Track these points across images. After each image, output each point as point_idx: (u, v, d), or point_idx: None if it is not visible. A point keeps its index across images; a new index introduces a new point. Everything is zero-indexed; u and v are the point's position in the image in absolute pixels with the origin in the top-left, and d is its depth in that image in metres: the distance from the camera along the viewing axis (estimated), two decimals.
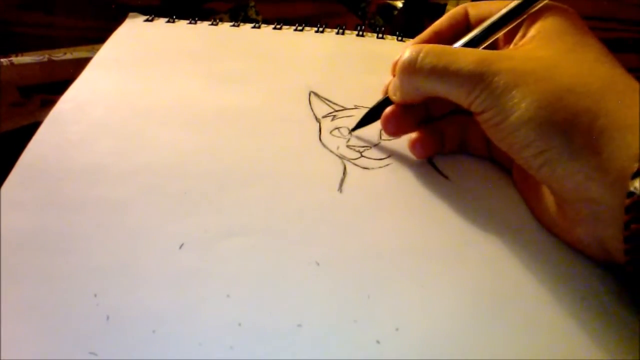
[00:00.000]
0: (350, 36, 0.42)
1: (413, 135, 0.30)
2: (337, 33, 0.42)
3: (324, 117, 0.33)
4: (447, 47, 0.26)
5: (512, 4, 0.27)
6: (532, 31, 0.26)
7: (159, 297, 0.23)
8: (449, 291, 0.24)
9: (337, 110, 0.33)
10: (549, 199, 0.25)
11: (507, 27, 0.27)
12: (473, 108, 0.25)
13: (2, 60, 0.42)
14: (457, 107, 0.26)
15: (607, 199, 0.21)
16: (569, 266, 0.25)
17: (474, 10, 0.29)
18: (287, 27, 0.42)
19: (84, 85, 0.35)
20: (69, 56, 0.44)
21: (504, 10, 0.27)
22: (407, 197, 0.28)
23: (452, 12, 0.30)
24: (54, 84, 0.40)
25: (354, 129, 0.32)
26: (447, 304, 0.23)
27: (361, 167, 0.30)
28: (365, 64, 0.38)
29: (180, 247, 0.25)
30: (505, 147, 0.25)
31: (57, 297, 0.23)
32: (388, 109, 0.29)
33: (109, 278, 0.24)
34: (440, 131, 0.30)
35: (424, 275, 0.24)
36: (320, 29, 0.42)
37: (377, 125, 0.32)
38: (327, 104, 0.34)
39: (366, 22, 0.52)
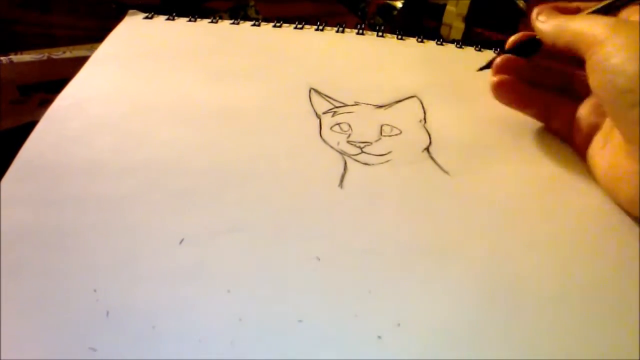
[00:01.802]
0: (350, 34, 0.42)
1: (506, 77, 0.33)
2: (337, 31, 0.42)
3: (324, 113, 0.33)
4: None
5: None
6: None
7: (159, 293, 0.23)
8: (450, 286, 0.23)
9: (337, 107, 0.33)
10: (618, 163, 0.27)
11: None
12: (588, 51, 0.27)
13: (1, 58, 0.42)
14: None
15: None
16: (569, 263, 0.25)
17: None
18: (287, 25, 0.42)
19: (83, 82, 0.35)
20: (68, 55, 0.44)
21: None
22: (407, 192, 0.28)
23: None
24: (54, 82, 0.40)
25: (484, 68, 0.34)
26: (448, 299, 0.23)
27: (362, 163, 0.30)
28: (365, 62, 0.38)
29: (180, 242, 0.25)
30: (604, 86, 0.26)
31: (56, 292, 0.23)
32: (502, 58, 0.33)
33: (108, 274, 0.23)
34: (548, 104, 0.33)
35: (425, 270, 0.24)
36: (320, 27, 0.42)
37: (377, 122, 0.32)
38: (327, 100, 0.34)
39: (366, 22, 0.52)
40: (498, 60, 0.33)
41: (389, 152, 0.30)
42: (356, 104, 0.34)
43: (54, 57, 0.43)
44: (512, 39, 0.34)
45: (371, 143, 0.31)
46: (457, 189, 0.28)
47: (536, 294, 0.23)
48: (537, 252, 0.25)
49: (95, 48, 0.38)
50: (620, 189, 0.27)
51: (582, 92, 0.31)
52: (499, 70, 0.33)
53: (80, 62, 0.37)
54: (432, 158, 0.30)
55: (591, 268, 0.24)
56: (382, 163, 0.30)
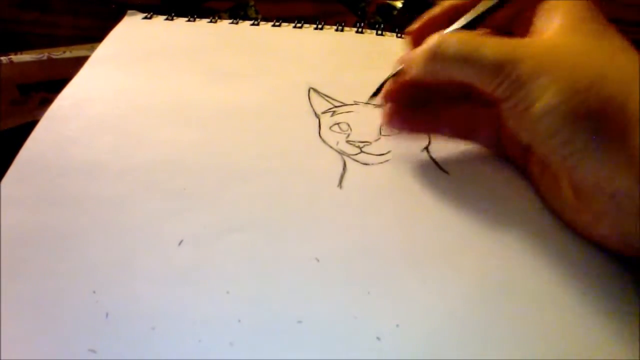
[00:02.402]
0: (350, 33, 0.42)
1: (392, 107, 0.29)
2: (337, 30, 0.42)
3: (324, 113, 0.33)
4: (472, 34, 0.26)
5: None
6: (553, 20, 0.25)
7: (159, 294, 0.23)
8: (449, 287, 0.23)
9: (336, 106, 0.33)
10: (569, 194, 0.25)
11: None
12: (498, 94, 0.24)
13: (1, 58, 0.42)
14: (470, 94, 0.27)
15: (634, 191, 0.21)
16: (570, 261, 0.25)
17: None
18: (286, 24, 0.42)
19: (82, 82, 0.35)
20: (68, 54, 0.44)
21: None
22: (407, 192, 0.28)
23: None
24: (54, 82, 0.40)
25: (374, 95, 0.31)
26: (447, 300, 0.23)
27: (361, 163, 0.30)
28: (365, 60, 0.38)
29: (180, 243, 0.25)
30: (529, 136, 0.24)
31: (56, 293, 0.23)
32: (390, 84, 0.29)
33: (107, 275, 0.23)
34: (437, 114, 0.29)
35: (424, 271, 0.24)
36: (320, 26, 0.42)
37: (376, 121, 0.32)
38: (326, 100, 0.34)
39: (365, 21, 0.52)
40: (386, 89, 0.29)
41: (388, 152, 0.30)
42: (355, 103, 0.34)
43: (54, 57, 0.43)
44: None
45: (370, 143, 0.31)
46: (456, 189, 0.28)
47: (536, 295, 0.23)
48: (538, 252, 0.25)
49: (95, 48, 0.38)
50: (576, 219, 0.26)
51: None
52: (390, 98, 0.29)
53: (80, 62, 0.37)
54: (431, 157, 0.30)
55: (589, 269, 0.24)
56: (381, 163, 0.30)
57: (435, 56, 0.26)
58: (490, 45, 0.24)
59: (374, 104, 0.34)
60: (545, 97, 0.22)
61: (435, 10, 0.29)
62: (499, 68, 0.23)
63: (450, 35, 0.26)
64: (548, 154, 0.23)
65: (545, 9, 0.26)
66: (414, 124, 0.30)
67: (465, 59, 0.25)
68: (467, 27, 0.27)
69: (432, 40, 0.26)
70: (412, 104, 0.29)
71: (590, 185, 0.23)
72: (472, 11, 0.27)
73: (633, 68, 0.22)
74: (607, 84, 0.21)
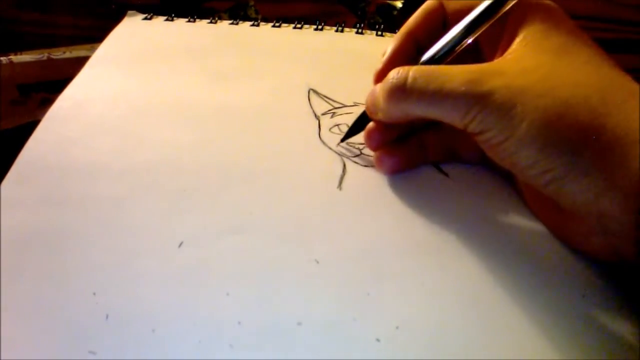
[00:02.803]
0: (350, 34, 0.42)
1: (379, 151, 0.29)
2: (337, 31, 0.42)
3: (323, 114, 0.33)
4: (435, 67, 0.25)
5: (486, 3, 0.25)
6: (518, 35, 0.25)
7: (159, 296, 0.23)
8: (449, 289, 0.23)
9: (336, 108, 0.33)
10: (558, 212, 0.24)
11: (483, 27, 0.25)
12: (470, 130, 0.23)
13: (1, 58, 0.42)
14: None
15: (618, 214, 0.21)
16: (568, 264, 0.25)
17: (451, 5, 0.27)
18: (286, 25, 0.42)
19: (83, 83, 0.35)
20: (68, 55, 0.44)
21: (477, 10, 0.25)
22: (406, 194, 0.28)
23: (425, 7, 0.28)
24: (54, 82, 0.40)
25: (342, 140, 0.30)
26: (447, 302, 0.23)
27: (361, 165, 0.30)
28: (365, 61, 0.38)
29: (180, 245, 0.25)
30: (508, 166, 0.24)
31: (56, 295, 0.23)
32: (370, 125, 0.28)
33: (107, 276, 0.23)
34: (421, 143, 0.29)
35: (424, 273, 0.24)
36: (320, 27, 0.42)
37: None
38: (326, 101, 0.34)
39: (365, 22, 0.52)
40: (367, 130, 0.28)
41: None
42: (355, 104, 0.34)
43: (54, 57, 0.43)
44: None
45: None
46: (455, 191, 0.28)
47: (535, 296, 0.23)
48: (537, 254, 0.25)
49: (96, 48, 0.38)
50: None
51: None
52: (372, 138, 0.28)
53: (80, 62, 0.37)
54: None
55: (587, 270, 0.25)
56: None
57: (398, 96, 0.25)
58: (458, 78, 0.23)
59: None
60: (519, 131, 0.22)
61: (395, 44, 0.28)
62: (470, 104, 0.22)
63: (411, 70, 0.25)
64: (530, 181, 0.23)
65: (510, 23, 0.25)
66: (406, 162, 0.29)
67: (432, 97, 0.24)
68: (437, 61, 0.26)
69: (391, 76, 0.25)
70: (396, 138, 0.29)
71: (575, 207, 0.22)
72: (441, 41, 0.26)
73: (605, 88, 0.22)
74: (577, 112, 0.21)
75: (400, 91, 0.25)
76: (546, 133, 0.21)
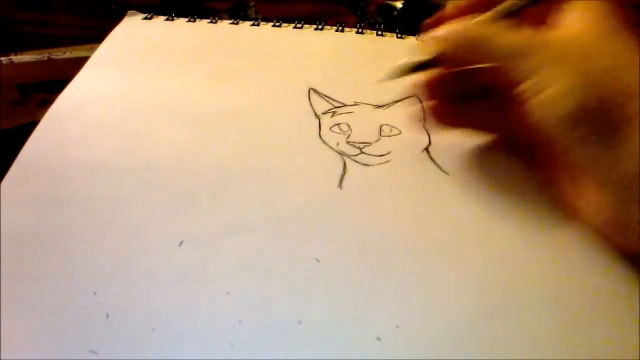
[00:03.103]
0: (350, 33, 0.42)
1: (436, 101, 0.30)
2: (337, 30, 0.42)
3: (324, 113, 0.33)
4: (493, 22, 0.27)
5: None
6: (573, 15, 0.26)
7: (159, 295, 0.23)
8: (449, 288, 0.23)
9: (336, 107, 0.33)
10: (576, 183, 0.26)
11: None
12: (514, 75, 0.25)
13: (1, 58, 0.42)
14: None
15: (633, 183, 0.22)
16: (571, 263, 0.25)
17: None
18: (287, 24, 0.42)
19: (83, 82, 0.35)
20: (68, 55, 0.44)
21: None
22: (407, 193, 0.28)
23: None
24: (54, 82, 0.40)
25: (390, 77, 0.30)
26: (447, 301, 0.23)
27: (361, 164, 0.30)
28: (365, 61, 0.38)
29: (180, 244, 0.25)
30: (539, 121, 0.24)
31: (56, 295, 0.23)
32: (428, 76, 0.29)
33: (108, 276, 0.23)
34: (469, 110, 0.30)
35: (424, 271, 0.24)
36: (320, 27, 0.42)
37: (376, 122, 0.32)
38: (326, 100, 0.34)
39: (365, 22, 0.52)
40: (428, 81, 0.29)
41: (388, 153, 0.30)
42: (355, 104, 0.34)
43: (54, 57, 0.43)
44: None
45: (370, 143, 0.31)
46: (456, 190, 0.28)
47: (535, 295, 0.23)
48: (538, 252, 0.25)
49: (95, 48, 0.38)
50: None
51: None
52: (429, 92, 0.30)
53: (80, 62, 0.37)
54: (431, 158, 0.30)
55: (590, 268, 0.24)
56: (381, 164, 0.30)
57: (460, 37, 0.27)
58: (510, 33, 0.25)
59: (374, 105, 0.34)
60: (556, 85, 0.23)
61: (459, 4, 0.30)
62: (517, 54, 0.24)
63: (476, 21, 0.27)
64: (553, 139, 0.24)
65: (565, 8, 0.27)
66: (457, 120, 0.30)
67: (489, 44, 0.26)
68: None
69: (459, 25, 0.27)
70: (449, 99, 0.30)
71: (598, 173, 0.23)
72: (500, 6, 0.27)
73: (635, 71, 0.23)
74: (613, 81, 0.23)
75: (463, 36, 0.27)
76: (578, 93, 0.23)
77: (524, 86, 0.24)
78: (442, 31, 0.28)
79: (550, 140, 0.25)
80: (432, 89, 0.30)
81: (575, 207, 0.26)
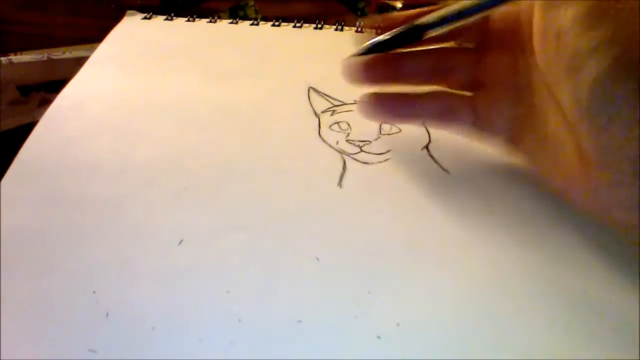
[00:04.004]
0: (349, 32, 0.42)
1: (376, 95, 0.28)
2: (336, 29, 0.42)
3: (323, 112, 0.33)
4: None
5: None
6: None
7: (159, 294, 0.23)
8: (449, 286, 0.23)
9: (336, 106, 0.33)
10: (574, 162, 0.23)
11: None
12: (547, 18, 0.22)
13: (1, 59, 0.42)
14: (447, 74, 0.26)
15: None
16: (569, 261, 0.25)
17: None
18: (286, 24, 0.42)
19: (82, 82, 0.35)
20: (68, 55, 0.44)
21: None
22: (407, 191, 0.28)
23: None
24: (54, 82, 0.40)
25: (359, 53, 0.28)
26: (447, 299, 0.23)
27: (361, 162, 0.30)
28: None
29: (180, 243, 0.25)
30: (556, 54, 0.22)
31: (56, 293, 0.23)
32: (375, 56, 0.27)
33: (108, 275, 0.23)
34: (413, 101, 0.28)
35: (424, 270, 0.24)
36: (319, 26, 0.42)
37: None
38: (326, 99, 0.34)
39: None
40: (364, 60, 0.28)
41: (388, 151, 0.30)
42: (355, 102, 0.34)
43: (54, 57, 0.43)
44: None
45: (370, 142, 0.31)
46: (456, 187, 0.28)
47: (535, 294, 0.23)
48: (537, 252, 0.25)
49: (95, 48, 0.38)
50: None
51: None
52: (368, 71, 0.27)
53: (80, 62, 0.37)
54: (431, 156, 0.30)
55: (590, 268, 0.24)
56: (381, 162, 0.30)
57: None
58: None
59: None
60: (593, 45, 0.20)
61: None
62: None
63: None
64: (575, 89, 0.21)
65: None
66: (393, 110, 0.29)
67: None
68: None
69: None
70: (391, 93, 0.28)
71: (610, 148, 0.21)
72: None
73: None
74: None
75: None
76: (612, 63, 0.20)
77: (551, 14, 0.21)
78: None
79: (565, 94, 0.22)
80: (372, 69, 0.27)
81: (575, 190, 0.23)
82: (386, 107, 0.29)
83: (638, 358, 0.21)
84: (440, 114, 0.29)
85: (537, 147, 0.26)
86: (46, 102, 0.34)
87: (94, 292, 0.23)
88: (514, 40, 0.26)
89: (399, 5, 0.51)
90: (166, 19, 0.42)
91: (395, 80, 0.28)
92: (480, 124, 0.28)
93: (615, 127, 0.21)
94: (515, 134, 0.27)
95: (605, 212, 0.23)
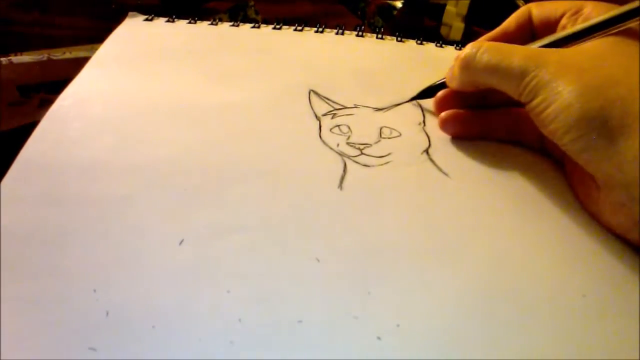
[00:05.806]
0: (350, 36, 0.42)
1: (448, 112, 0.32)
2: (337, 33, 0.42)
3: (324, 115, 0.33)
4: (502, 44, 0.29)
5: (608, 15, 0.27)
6: (577, 26, 0.28)
7: (159, 293, 0.23)
8: (449, 288, 0.23)
9: (336, 109, 0.34)
10: (593, 187, 0.26)
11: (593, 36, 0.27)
12: (522, 98, 0.27)
13: (1, 59, 0.42)
14: (511, 99, 0.28)
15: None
16: (569, 263, 0.25)
17: (537, 10, 0.31)
18: (287, 27, 0.42)
19: (84, 82, 0.35)
20: (68, 55, 0.44)
21: (594, 21, 0.27)
22: (407, 194, 0.28)
23: (517, 12, 0.32)
24: (54, 83, 0.40)
25: (413, 99, 0.34)
26: (447, 301, 0.23)
27: (361, 165, 0.30)
28: (365, 64, 0.38)
29: (180, 242, 0.25)
30: (550, 133, 0.26)
31: (56, 292, 0.23)
32: (441, 92, 0.33)
33: (108, 273, 0.23)
34: (485, 118, 0.32)
35: (424, 271, 0.24)
36: (320, 29, 0.42)
37: (376, 124, 0.32)
38: (326, 102, 0.34)
39: (366, 22, 0.52)
40: (437, 96, 0.33)
41: (388, 154, 0.30)
42: (355, 106, 0.34)
43: (54, 57, 0.43)
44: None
45: (371, 145, 0.31)
46: (456, 191, 0.28)
47: (536, 295, 0.23)
48: (538, 253, 0.25)
49: (96, 49, 0.38)
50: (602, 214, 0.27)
51: None
52: (441, 105, 0.33)
53: (80, 62, 0.37)
54: (431, 160, 0.30)
55: (590, 268, 0.25)
56: (381, 165, 0.30)
57: (468, 66, 0.29)
58: (518, 53, 0.27)
59: (373, 107, 0.34)
60: (561, 98, 0.25)
61: (490, 34, 0.33)
62: (523, 75, 0.26)
63: (482, 44, 0.29)
64: (567, 148, 0.25)
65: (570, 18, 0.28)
66: (467, 128, 0.32)
67: (495, 68, 0.28)
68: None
69: (464, 50, 0.30)
70: (465, 108, 0.32)
71: (605, 177, 0.24)
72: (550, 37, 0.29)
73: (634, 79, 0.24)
74: (615, 86, 0.24)
75: (469, 62, 0.29)
76: (582, 101, 0.24)
77: (533, 104, 0.26)
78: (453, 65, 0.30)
79: (565, 150, 0.26)
80: (442, 103, 0.33)
81: (593, 212, 0.27)
82: (459, 123, 0.32)
83: (638, 358, 0.21)
84: (508, 135, 0.32)
85: (573, 175, 0.29)
86: (46, 103, 0.34)
87: (94, 290, 0.23)
88: None
89: (399, 5, 0.52)
90: (168, 21, 0.43)
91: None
92: (544, 147, 0.31)
93: None
94: (564, 161, 0.30)
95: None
